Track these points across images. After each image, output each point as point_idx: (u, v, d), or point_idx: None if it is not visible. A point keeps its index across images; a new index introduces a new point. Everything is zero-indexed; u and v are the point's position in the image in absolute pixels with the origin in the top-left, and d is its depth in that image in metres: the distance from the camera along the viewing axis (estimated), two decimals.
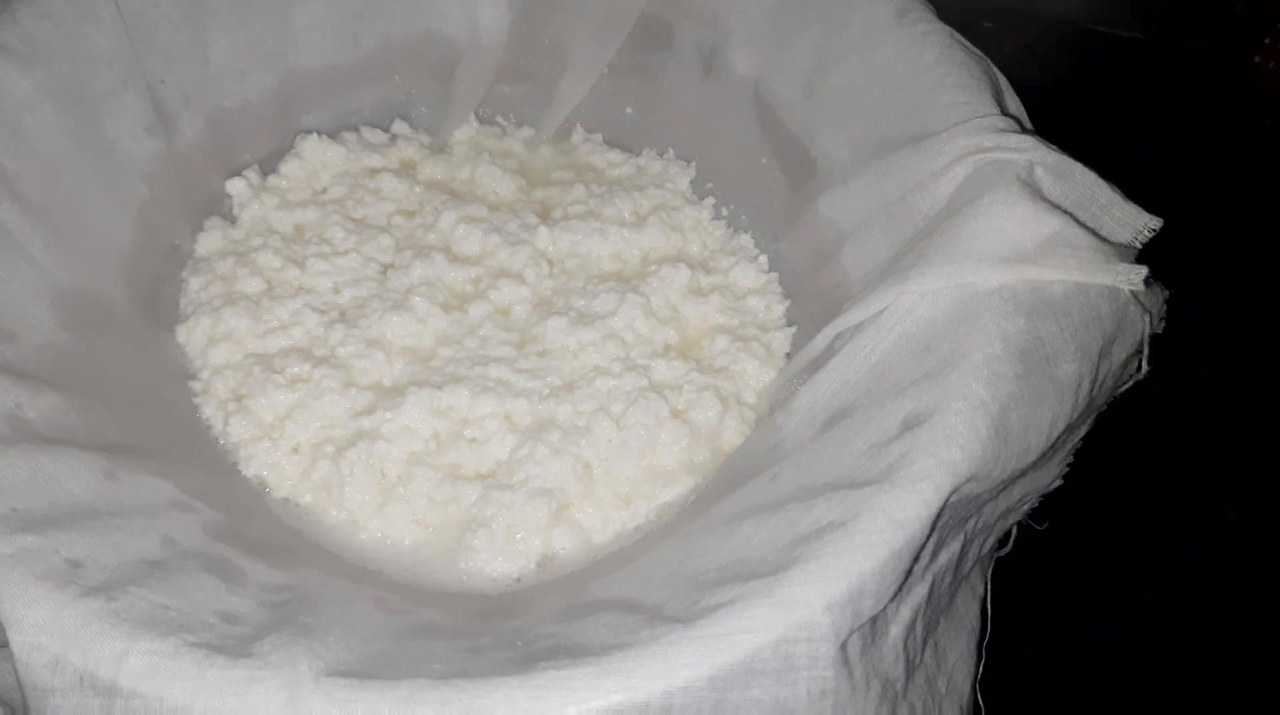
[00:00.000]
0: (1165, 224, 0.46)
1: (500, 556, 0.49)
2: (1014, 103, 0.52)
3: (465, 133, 0.68)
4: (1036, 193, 0.45)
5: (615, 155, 0.67)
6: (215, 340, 0.55)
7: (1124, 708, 0.62)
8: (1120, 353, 0.44)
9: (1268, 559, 0.66)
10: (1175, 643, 0.63)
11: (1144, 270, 0.42)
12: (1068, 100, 0.76)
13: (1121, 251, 0.45)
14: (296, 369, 0.54)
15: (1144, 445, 0.66)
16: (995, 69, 0.52)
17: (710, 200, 0.65)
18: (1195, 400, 0.69)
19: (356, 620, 0.40)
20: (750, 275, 0.61)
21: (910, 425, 0.40)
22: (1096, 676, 0.62)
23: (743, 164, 0.63)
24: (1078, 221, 0.44)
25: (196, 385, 0.55)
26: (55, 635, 0.34)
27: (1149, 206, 0.46)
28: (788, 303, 0.60)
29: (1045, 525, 0.50)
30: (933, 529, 0.37)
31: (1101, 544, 0.65)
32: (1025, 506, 0.48)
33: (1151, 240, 0.46)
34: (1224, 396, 0.70)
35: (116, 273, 0.53)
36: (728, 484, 0.48)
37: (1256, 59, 0.86)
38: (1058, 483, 0.48)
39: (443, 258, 0.59)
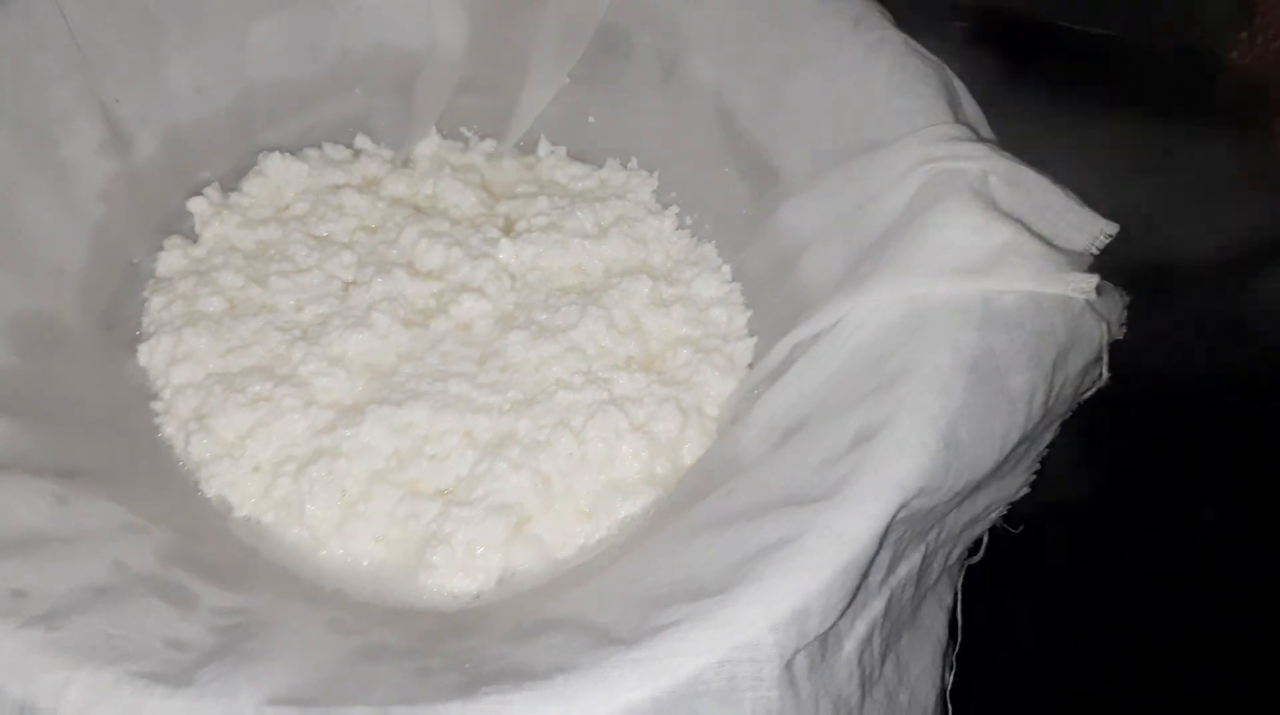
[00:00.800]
0: (1138, 221, 0.46)
1: (460, 572, 0.49)
2: (971, 109, 0.52)
3: (428, 147, 0.67)
4: (989, 202, 0.44)
5: (578, 169, 0.67)
6: (177, 360, 0.55)
7: (1101, 711, 0.61)
8: (1077, 361, 0.44)
9: (1245, 560, 0.65)
10: (1152, 645, 0.63)
11: (1095, 279, 0.42)
12: (1040, 100, 0.76)
13: (1076, 259, 0.44)
14: (258, 388, 0.54)
15: (1117, 446, 0.65)
16: (952, 75, 0.52)
17: (674, 209, 0.65)
18: (1167, 401, 0.68)
19: (306, 644, 0.39)
20: (713, 286, 0.60)
21: (861, 440, 0.39)
22: (1073, 679, 0.62)
23: (706, 173, 0.62)
24: (1030, 230, 0.44)
25: (158, 405, 0.54)
26: None
27: (1120, 208, 0.46)
28: (750, 313, 0.59)
29: (1020, 529, 0.50)
30: (881, 545, 0.37)
31: (1076, 547, 0.65)
32: (992, 515, 0.47)
33: (1120, 241, 0.46)
34: (1197, 396, 0.70)
35: (73, 294, 0.53)
36: (687, 497, 0.48)
37: (1233, 54, 0.85)
38: (1024, 491, 0.48)
39: (404, 273, 0.59)
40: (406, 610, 0.48)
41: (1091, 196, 0.46)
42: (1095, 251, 0.46)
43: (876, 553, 0.37)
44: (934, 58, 0.52)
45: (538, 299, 0.59)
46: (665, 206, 0.65)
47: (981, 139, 0.48)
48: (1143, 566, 0.65)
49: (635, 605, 0.38)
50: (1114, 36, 0.84)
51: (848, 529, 0.36)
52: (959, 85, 0.52)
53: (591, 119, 0.67)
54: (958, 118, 0.49)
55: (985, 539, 0.48)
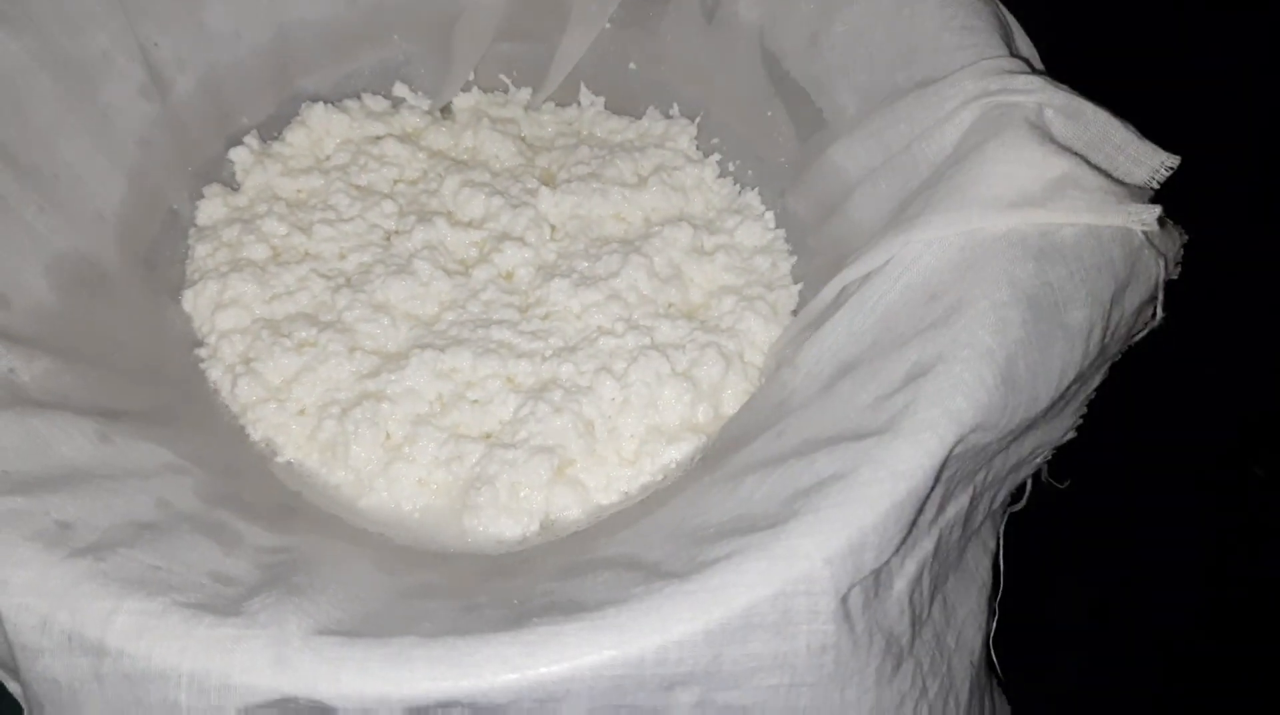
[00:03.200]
0: (1193, 164, 0.44)
1: (504, 514, 0.49)
2: (1024, 44, 0.50)
3: (467, 100, 0.67)
4: (1045, 135, 0.43)
5: (616, 123, 0.66)
6: (222, 306, 0.55)
7: (1142, 664, 0.61)
8: (1134, 299, 0.43)
9: None
10: (1198, 599, 0.62)
11: (1157, 209, 0.41)
12: (1090, 38, 0.74)
13: (1136, 192, 0.43)
14: (303, 333, 0.54)
15: (1167, 400, 0.64)
16: (1004, 10, 0.51)
17: (715, 157, 0.64)
18: (1220, 352, 0.67)
19: (352, 581, 0.39)
20: (756, 233, 0.60)
21: (915, 375, 0.39)
22: (1114, 632, 0.61)
23: (749, 118, 0.61)
24: (1089, 163, 0.42)
25: (203, 351, 0.55)
26: (42, 595, 0.33)
27: (1171, 144, 0.45)
28: (794, 259, 0.59)
29: (1067, 483, 0.49)
30: (937, 480, 0.36)
31: (1124, 501, 0.64)
32: (1037, 459, 0.47)
33: (1173, 181, 0.44)
34: (1250, 348, 0.68)
35: (114, 238, 0.53)
36: (734, 441, 0.47)
37: None
38: (1071, 435, 0.47)
39: (445, 222, 0.59)
40: (451, 554, 0.48)
41: None
42: (1156, 185, 0.44)
43: (933, 488, 0.36)
44: None
45: (578, 248, 0.59)
46: (707, 154, 0.64)
47: (1036, 72, 0.47)
48: (1186, 518, 0.64)
49: (685, 543, 0.38)
50: None
51: (904, 463, 0.35)
52: (1012, 20, 0.50)
53: (632, 65, 0.66)
54: (1012, 52, 0.48)
55: (1029, 486, 0.48)
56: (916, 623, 0.39)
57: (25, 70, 0.49)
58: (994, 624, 0.47)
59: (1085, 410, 0.46)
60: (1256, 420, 0.68)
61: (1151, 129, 0.45)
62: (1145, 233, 0.41)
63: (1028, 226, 0.41)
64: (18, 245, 0.47)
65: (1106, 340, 0.42)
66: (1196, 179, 0.46)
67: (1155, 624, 0.61)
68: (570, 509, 0.50)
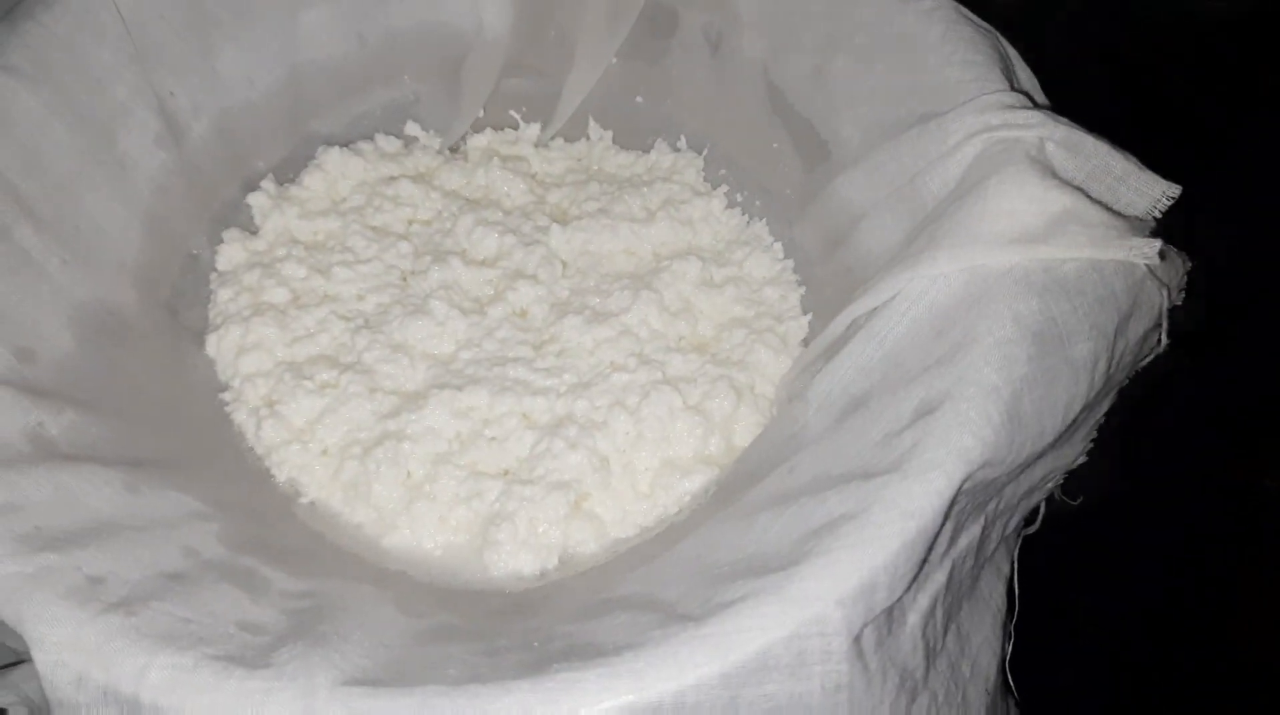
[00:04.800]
0: (1200, 188, 0.45)
1: (523, 549, 0.50)
2: (1026, 76, 0.51)
3: (479, 140, 0.68)
4: (1047, 169, 0.44)
5: (625, 157, 0.67)
6: (245, 349, 0.56)
7: (1159, 680, 0.61)
8: (1138, 328, 0.43)
9: None
10: (1213, 612, 0.63)
11: (1158, 244, 0.42)
12: (1094, 68, 0.75)
13: (1137, 224, 0.44)
14: (325, 375, 0.55)
15: (1179, 414, 0.65)
16: (1005, 43, 0.51)
17: (723, 188, 0.65)
18: (1231, 367, 0.67)
19: (376, 625, 0.40)
20: (765, 264, 0.60)
21: (923, 412, 0.39)
22: (1131, 649, 0.62)
23: (755, 149, 0.62)
24: (1090, 197, 0.43)
25: (227, 394, 0.56)
26: (78, 652, 0.34)
27: (1173, 172, 0.45)
28: (803, 290, 0.59)
29: (1079, 500, 0.49)
30: (946, 517, 0.37)
31: (1138, 515, 0.64)
32: (1049, 484, 0.47)
33: (1181, 205, 0.45)
34: (1261, 363, 0.69)
35: (135, 285, 0.53)
36: (748, 476, 0.48)
37: None
38: (1082, 459, 0.47)
39: (459, 262, 0.60)
40: (472, 591, 0.49)
41: None
42: (1157, 215, 0.45)
43: (942, 526, 0.37)
44: (986, 25, 0.51)
45: (590, 284, 0.60)
46: (715, 185, 0.65)
47: (1037, 106, 0.47)
48: (1199, 533, 0.65)
49: (700, 582, 0.38)
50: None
51: (913, 503, 0.36)
52: (1012, 52, 0.51)
53: (639, 98, 0.67)
54: (1012, 85, 0.48)
55: (1042, 509, 0.48)
56: (930, 655, 0.40)
57: (44, 125, 0.50)
58: (1009, 647, 0.48)
59: (1095, 434, 0.47)
60: (1267, 434, 0.68)
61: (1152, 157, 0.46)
62: (1148, 264, 0.42)
63: (1031, 262, 0.41)
64: (42, 298, 0.48)
65: (1112, 370, 0.43)
66: (1201, 195, 0.46)
67: (1168, 638, 0.62)
68: (587, 543, 0.50)
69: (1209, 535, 0.65)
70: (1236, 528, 0.65)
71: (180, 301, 0.57)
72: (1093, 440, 0.47)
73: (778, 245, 0.62)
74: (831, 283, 0.56)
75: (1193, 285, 0.46)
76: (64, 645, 0.34)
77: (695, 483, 0.51)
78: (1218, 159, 0.69)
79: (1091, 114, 0.47)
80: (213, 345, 0.57)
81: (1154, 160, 0.45)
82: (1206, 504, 0.65)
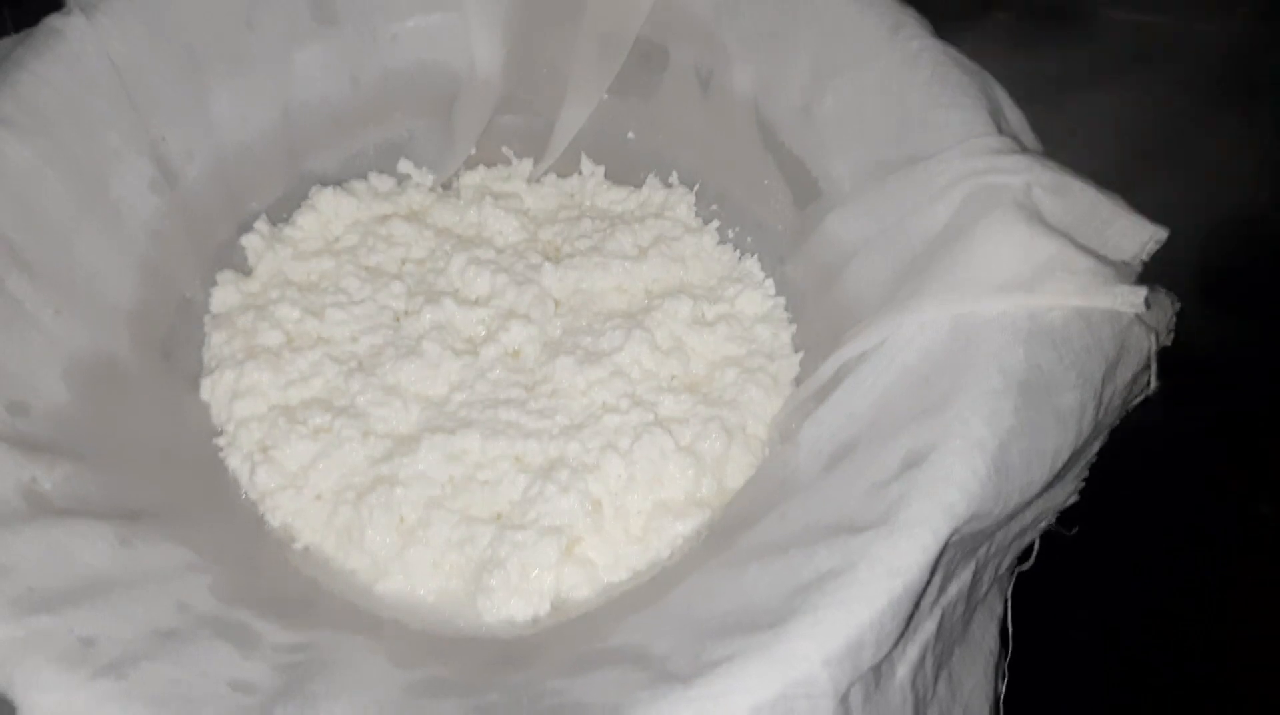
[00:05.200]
0: (1192, 219, 0.45)
1: (515, 596, 0.50)
2: (1014, 116, 0.51)
3: (472, 177, 0.68)
4: (1034, 215, 0.44)
5: (617, 193, 0.67)
6: (239, 394, 0.56)
7: (1157, 711, 0.61)
8: (1125, 373, 0.43)
9: None
10: (1210, 641, 0.62)
11: (1143, 292, 0.42)
12: (1088, 93, 0.75)
13: (1123, 269, 0.44)
14: (318, 419, 0.55)
15: (1172, 442, 0.65)
16: (994, 83, 0.51)
17: (715, 223, 0.65)
18: (1224, 395, 0.67)
19: (368, 681, 0.40)
20: (756, 302, 0.61)
21: (910, 464, 0.39)
22: (1130, 681, 0.61)
23: (746, 185, 0.62)
24: (1076, 243, 0.43)
25: (221, 439, 0.56)
26: None
27: (1168, 207, 0.45)
28: (794, 328, 0.60)
29: (1074, 530, 0.49)
30: (934, 570, 0.37)
31: (1132, 544, 0.64)
32: (1041, 524, 0.47)
33: (1173, 240, 0.45)
34: (1254, 389, 0.69)
35: (130, 331, 0.54)
36: (740, 520, 0.48)
37: None
38: (1074, 498, 0.47)
39: (452, 302, 0.60)
40: (465, 639, 0.49)
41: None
42: (1145, 258, 0.45)
43: (929, 580, 0.37)
44: (974, 65, 0.51)
45: (582, 323, 0.60)
46: (706, 221, 0.65)
47: (1025, 149, 0.47)
48: (1197, 562, 0.65)
49: (691, 636, 0.39)
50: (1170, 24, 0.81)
51: (899, 560, 0.36)
52: (1001, 93, 0.51)
53: (631, 134, 0.68)
54: (1000, 128, 0.48)
55: (1035, 545, 0.48)
56: (920, 705, 0.40)
57: (37, 174, 0.50)
58: (1004, 686, 0.48)
59: (1086, 473, 0.47)
60: (1262, 459, 0.68)
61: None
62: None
63: (1017, 310, 0.42)
64: (36, 349, 0.48)
65: (1100, 416, 0.43)
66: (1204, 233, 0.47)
67: (1163, 665, 0.62)
68: (580, 588, 0.51)
69: (1206, 564, 0.65)
70: (1233, 557, 0.65)
71: (174, 345, 0.57)
72: (1084, 479, 0.47)
73: (769, 282, 0.62)
74: (822, 320, 0.56)
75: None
76: (54, 713, 0.35)
77: (688, 525, 0.52)
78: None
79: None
80: (207, 389, 0.57)
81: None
82: (1202, 531, 0.65)
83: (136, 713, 0.35)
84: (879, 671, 0.37)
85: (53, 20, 0.53)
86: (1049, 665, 0.54)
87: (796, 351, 0.59)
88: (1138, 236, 0.45)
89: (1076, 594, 0.61)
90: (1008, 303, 0.42)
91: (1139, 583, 0.64)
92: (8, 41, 0.54)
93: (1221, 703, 0.61)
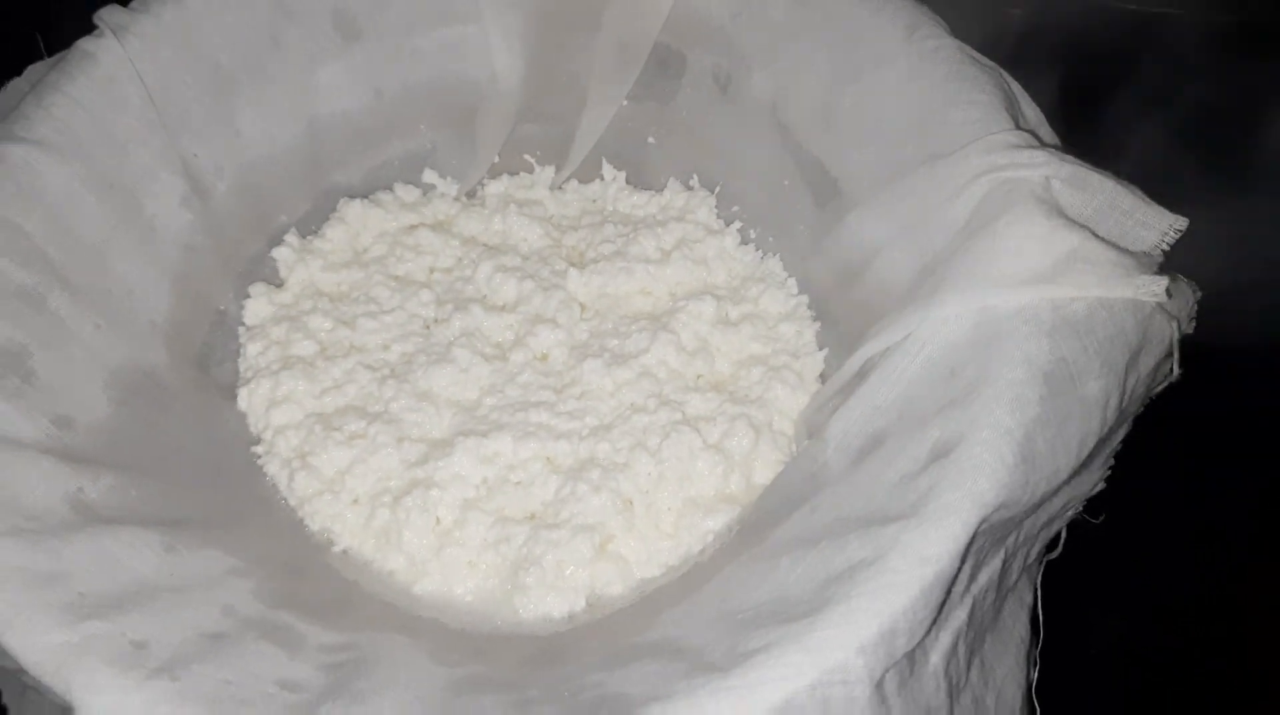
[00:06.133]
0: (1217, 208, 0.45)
1: (551, 593, 0.51)
2: (1031, 112, 0.52)
3: (496, 186, 0.69)
4: (1054, 208, 0.44)
5: (639, 197, 0.68)
6: (276, 402, 0.57)
7: (1188, 698, 0.61)
8: (1148, 361, 0.44)
9: None
10: (1240, 630, 0.63)
11: (1164, 281, 0.42)
12: (1103, 88, 0.75)
13: (1144, 259, 0.44)
14: (354, 426, 0.57)
15: (1203, 429, 0.65)
16: (1010, 79, 0.52)
17: (736, 225, 0.66)
18: (1253, 384, 0.67)
19: (411, 678, 0.41)
20: (780, 300, 0.61)
21: (938, 455, 0.40)
22: (1159, 669, 0.62)
23: (767, 187, 0.63)
24: (1097, 235, 0.44)
25: (259, 447, 0.57)
26: None
27: (1190, 197, 0.46)
28: (818, 325, 0.60)
29: (1101, 518, 0.50)
30: (964, 559, 0.38)
31: (1163, 533, 0.64)
32: (1069, 512, 0.48)
33: (1195, 230, 0.45)
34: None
35: (166, 345, 0.55)
36: (770, 515, 0.49)
37: None
38: (1100, 486, 0.48)
39: (480, 308, 0.61)
40: (503, 637, 0.50)
41: None
42: (1165, 248, 0.45)
43: (960, 568, 0.37)
44: (990, 63, 0.52)
45: (608, 326, 0.61)
46: (728, 223, 0.66)
47: (1043, 143, 0.48)
48: (1227, 551, 0.65)
49: (726, 629, 0.39)
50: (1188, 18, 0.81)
51: (930, 549, 0.37)
52: (1017, 89, 0.52)
53: (651, 139, 0.69)
54: (1018, 124, 0.49)
55: (1064, 534, 0.49)
56: (954, 692, 0.41)
57: (74, 194, 0.52)
58: (1035, 674, 0.48)
59: (1113, 461, 0.47)
60: None
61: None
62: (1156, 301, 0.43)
63: (1040, 302, 0.42)
64: (78, 365, 0.49)
65: (1124, 404, 0.43)
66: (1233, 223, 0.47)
67: (1195, 657, 0.62)
68: (614, 584, 0.51)
69: (1236, 552, 0.65)
70: (1268, 543, 0.65)
71: (210, 357, 0.59)
72: (1110, 467, 0.47)
73: (792, 281, 0.63)
74: (846, 318, 0.57)
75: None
76: (111, 713, 0.36)
77: (718, 521, 0.52)
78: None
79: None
80: (244, 399, 0.58)
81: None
82: (1233, 521, 0.65)
83: (191, 713, 0.36)
84: (913, 659, 0.38)
85: (84, 43, 0.54)
86: (1079, 654, 0.55)
87: (821, 349, 0.59)
88: (1158, 226, 0.45)
89: (1105, 583, 0.61)
90: (1031, 295, 0.42)
91: (1167, 571, 0.64)
92: (41, 65, 0.56)
93: (1251, 691, 0.61)
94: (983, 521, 0.38)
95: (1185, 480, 0.65)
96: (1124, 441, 0.47)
